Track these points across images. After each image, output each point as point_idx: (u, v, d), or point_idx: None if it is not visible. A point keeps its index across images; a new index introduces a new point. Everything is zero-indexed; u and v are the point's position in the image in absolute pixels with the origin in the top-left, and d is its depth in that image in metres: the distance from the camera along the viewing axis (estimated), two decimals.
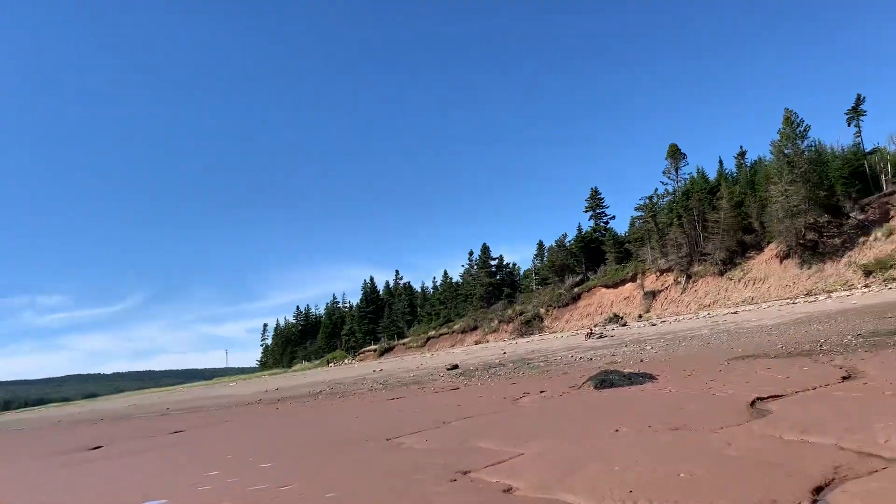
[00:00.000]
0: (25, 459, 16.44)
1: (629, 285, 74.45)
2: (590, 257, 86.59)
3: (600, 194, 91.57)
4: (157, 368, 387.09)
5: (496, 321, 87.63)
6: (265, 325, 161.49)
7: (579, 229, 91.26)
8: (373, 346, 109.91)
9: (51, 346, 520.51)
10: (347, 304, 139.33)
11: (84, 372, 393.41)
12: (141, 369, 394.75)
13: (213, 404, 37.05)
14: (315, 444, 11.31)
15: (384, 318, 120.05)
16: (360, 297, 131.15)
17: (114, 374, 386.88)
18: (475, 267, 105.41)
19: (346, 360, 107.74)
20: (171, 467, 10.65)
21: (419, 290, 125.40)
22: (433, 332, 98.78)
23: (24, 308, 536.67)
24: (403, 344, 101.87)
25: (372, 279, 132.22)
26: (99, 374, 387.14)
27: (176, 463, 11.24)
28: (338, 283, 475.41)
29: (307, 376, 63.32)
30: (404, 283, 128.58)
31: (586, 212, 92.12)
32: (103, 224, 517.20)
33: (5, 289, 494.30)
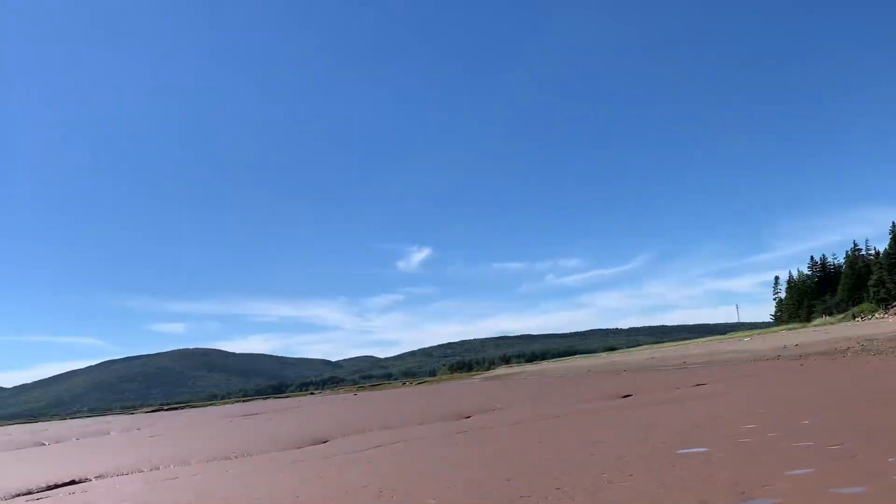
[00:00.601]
0: (573, 402, 18.73)
1: None
2: None
3: None
4: (668, 323, 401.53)
5: None
6: (776, 278, 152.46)
7: None
8: None
9: (572, 304, 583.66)
10: (872, 251, 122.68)
11: (603, 327, 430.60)
12: (653, 324, 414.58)
13: (730, 359, 36.68)
14: (855, 403, 10.25)
15: None
16: (888, 241, 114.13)
17: (629, 328, 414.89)
18: None
19: (875, 315, 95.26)
20: (705, 417, 10.87)
21: None
22: None
23: (549, 271, 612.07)
24: None
25: None
26: (616, 328, 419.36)
27: (709, 412, 11.44)
28: (857, 228, 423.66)
29: (829, 332, 57.82)
30: None
31: None
32: (599, 186, 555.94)
33: (533, 255, 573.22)
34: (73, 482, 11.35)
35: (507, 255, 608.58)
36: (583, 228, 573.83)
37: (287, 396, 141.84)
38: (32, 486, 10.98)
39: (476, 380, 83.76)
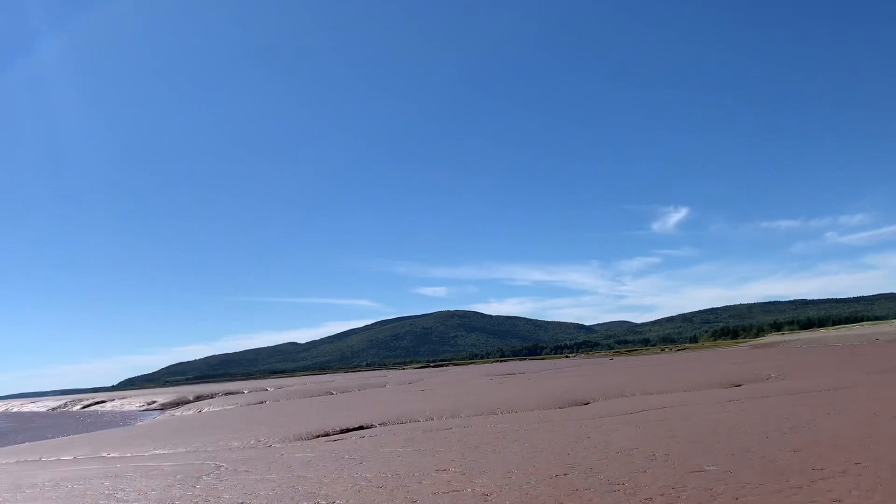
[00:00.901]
0: (860, 373, 16.89)
1: None
2: None
3: None
4: None
5: None
6: None
7: None
8: None
9: (857, 265, 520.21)
10: None
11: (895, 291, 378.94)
12: None
13: None
14: None
15: None
16: None
17: None
18: None
19: None
20: None
21: None
22: None
23: (828, 229, 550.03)
24: None
25: None
26: None
27: None
28: None
29: None
30: None
31: None
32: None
33: (809, 211, 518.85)
34: (361, 427, 12.66)
35: (777, 213, 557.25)
36: (870, 178, 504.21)
37: (542, 358, 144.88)
38: (329, 429, 12.44)
39: (743, 347, 78.81)
